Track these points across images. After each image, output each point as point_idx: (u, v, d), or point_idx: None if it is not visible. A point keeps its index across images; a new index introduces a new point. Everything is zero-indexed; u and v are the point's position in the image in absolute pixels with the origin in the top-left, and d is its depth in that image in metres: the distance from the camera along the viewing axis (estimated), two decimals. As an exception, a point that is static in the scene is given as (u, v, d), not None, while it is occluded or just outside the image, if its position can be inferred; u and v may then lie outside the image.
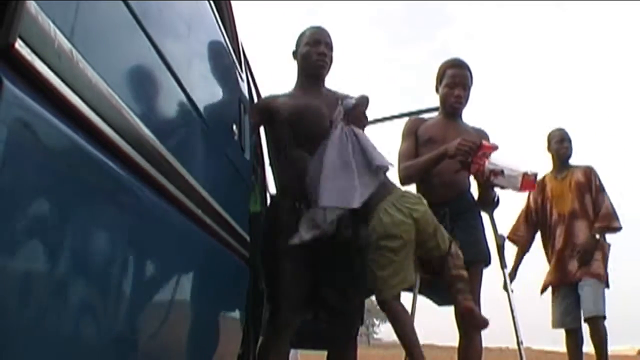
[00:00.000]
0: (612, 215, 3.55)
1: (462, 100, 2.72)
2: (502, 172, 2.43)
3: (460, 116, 2.78)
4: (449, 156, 2.47)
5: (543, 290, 3.72)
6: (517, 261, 3.81)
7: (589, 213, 3.58)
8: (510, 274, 3.54)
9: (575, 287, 3.54)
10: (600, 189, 3.64)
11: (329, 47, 2.35)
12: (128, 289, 0.91)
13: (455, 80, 2.70)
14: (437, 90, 2.80)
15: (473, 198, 2.68)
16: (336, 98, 2.36)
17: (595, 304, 3.40)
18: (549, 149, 3.79)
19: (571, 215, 3.58)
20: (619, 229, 3.58)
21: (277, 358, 2.13)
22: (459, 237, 2.23)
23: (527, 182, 2.47)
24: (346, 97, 2.35)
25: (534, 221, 3.79)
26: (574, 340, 3.58)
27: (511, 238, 3.81)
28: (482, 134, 2.78)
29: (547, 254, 3.75)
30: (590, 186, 3.63)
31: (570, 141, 3.75)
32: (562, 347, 3.83)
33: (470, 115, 2.85)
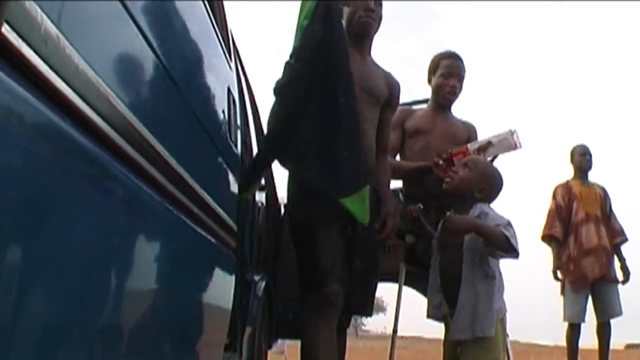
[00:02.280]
0: (623, 231, 4.20)
1: (457, 90, 2.72)
2: (489, 143, 2.41)
3: (449, 109, 2.80)
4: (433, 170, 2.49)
5: (577, 283, 4.05)
6: (557, 259, 4.15)
7: (605, 222, 4.15)
8: (555, 273, 4.13)
9: (589, 286, 4.03)
10: (611, 208, 4.26)
11: (379, 2, 2.22)
12: (107, 278, 0.91)
13: (450, 70, 2.71)
14: (429, 81, 2.81)
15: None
16: (385, 77, 2.26)
17: (621, 308, 3.98)
18: (572, 161, 4.32)
19: (597, 219, 4.12)
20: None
21: (327, 346, 1.91)
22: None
23: (517, 137, 2.46)
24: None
25: (564, 217, 4.18)
26: (576, 332, 4.07)
27: (549, 234, 4.23)
28: (470, 128, 2.80)
29: (563, 248, 4.17)
30: (606, 203, 4.24)
31: (590, 155, 4.28)
32: (548, 341, 4.18)
33: (461, 110, 2.86)
